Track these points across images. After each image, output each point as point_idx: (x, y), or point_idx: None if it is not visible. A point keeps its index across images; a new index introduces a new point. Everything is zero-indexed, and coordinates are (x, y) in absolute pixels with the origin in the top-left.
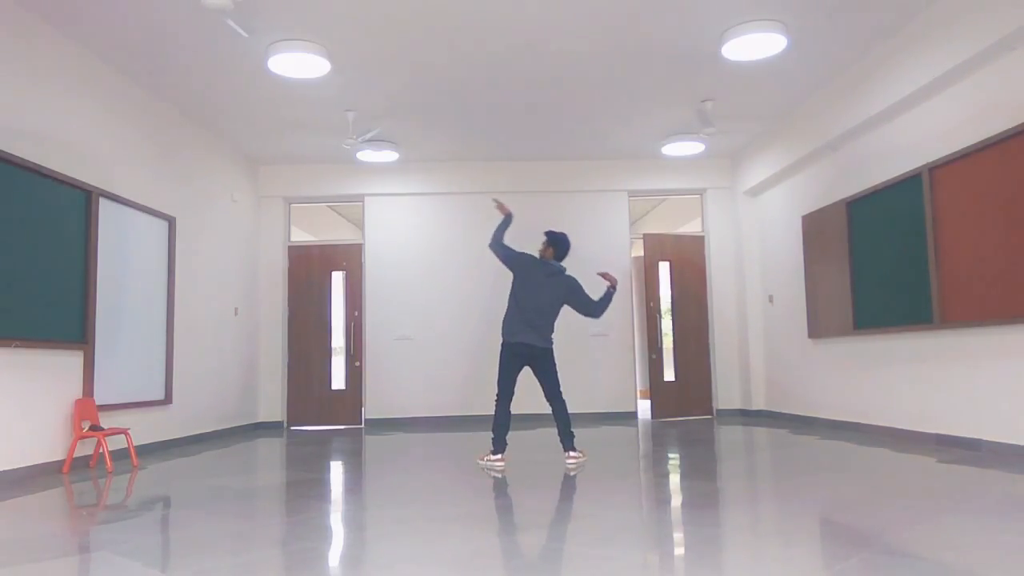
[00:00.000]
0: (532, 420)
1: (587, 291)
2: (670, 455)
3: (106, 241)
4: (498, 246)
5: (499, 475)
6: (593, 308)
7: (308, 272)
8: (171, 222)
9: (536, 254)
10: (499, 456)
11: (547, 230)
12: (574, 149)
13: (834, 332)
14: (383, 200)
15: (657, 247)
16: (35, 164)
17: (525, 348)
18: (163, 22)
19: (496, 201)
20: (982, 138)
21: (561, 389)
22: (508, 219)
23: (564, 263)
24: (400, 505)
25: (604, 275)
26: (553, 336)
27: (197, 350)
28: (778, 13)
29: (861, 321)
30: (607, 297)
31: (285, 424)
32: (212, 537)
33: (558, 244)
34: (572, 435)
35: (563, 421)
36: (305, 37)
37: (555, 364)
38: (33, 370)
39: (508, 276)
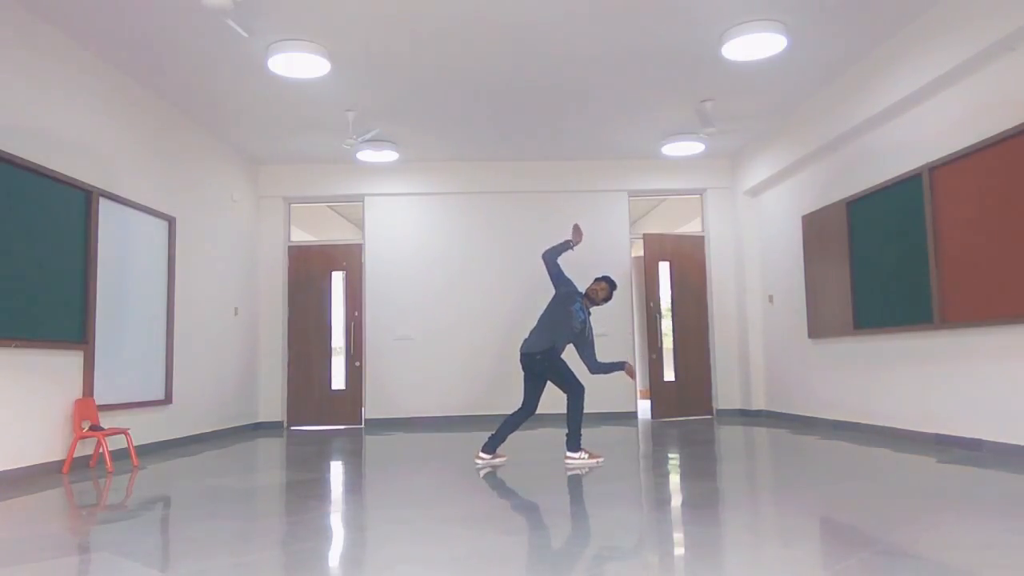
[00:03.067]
0: (533, 420)
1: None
2: (670, 455)
3: (106, 241)
4: (553, 262)
5: (480, 470)
6: (592, 363)
7: (308, 272)
8: (171, 222)
9: (583, 289)
10: (484, 452)
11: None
12: (574, 149)
13: (834, 332)
14: (383, 200)
15: (657, 247)
16: (35, 164)
17: (523, 357)
18: (163, 22)
19: (577, 225)
20: (982, 138)
21: (572, 390)
22: (572, 244)
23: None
24: (400, 505)
25: (630, 373)
26: (549, 347)
27: (197, 350)
28: (778, 13)
29: (861, 321)
30: (611, 366)
31: (285, 424)
32: (212, 537)
33: (612, 295)
34: (577, 436)
35: (568, 421)
36: (305, 37)
37: (557, 368)
38: (33, 370)
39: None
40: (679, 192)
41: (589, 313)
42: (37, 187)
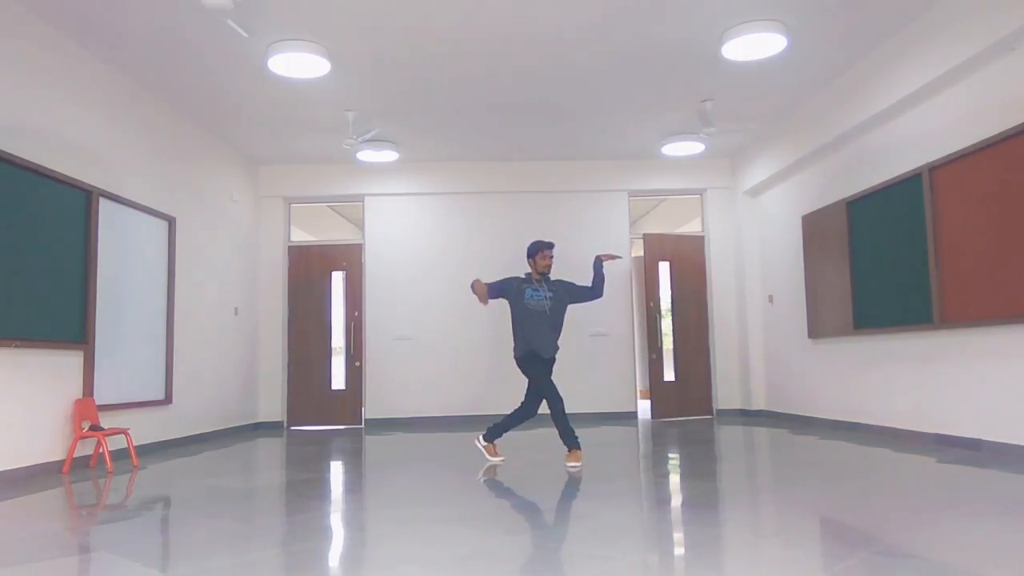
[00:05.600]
0: (533, 420)
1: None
2: (670, 455)
3: (106, 241)
4: (494, 294)
5: (480, 471)
6: (592, 292)
7: (308, 272)
8: (171, 222)
9: (539, 269)
10: (483, 439)
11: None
12: (574, 149)
13: (834, 332)
14: (383, 200)
15: (657, 247)
16: (35, 164)
17: (543, 360)
18: (163, 22)
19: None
20: (982, 138)
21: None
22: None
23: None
24: (400, 505)
25: (607, 258)
26: (524, 352)
27: (197, 350)
28: (778, 13)
29: (861, 321)
30: (599, 275)
31: (285, 424)
32: (212, 537)
33: (547, 250)
34: (572, 435)
35: (558, 423)
36: (305, 37)
37: (532, 374)
38: (33, 370)
39: (507, 276)
40: (679, 192)
41: (545, 284)
42: (37, 187)
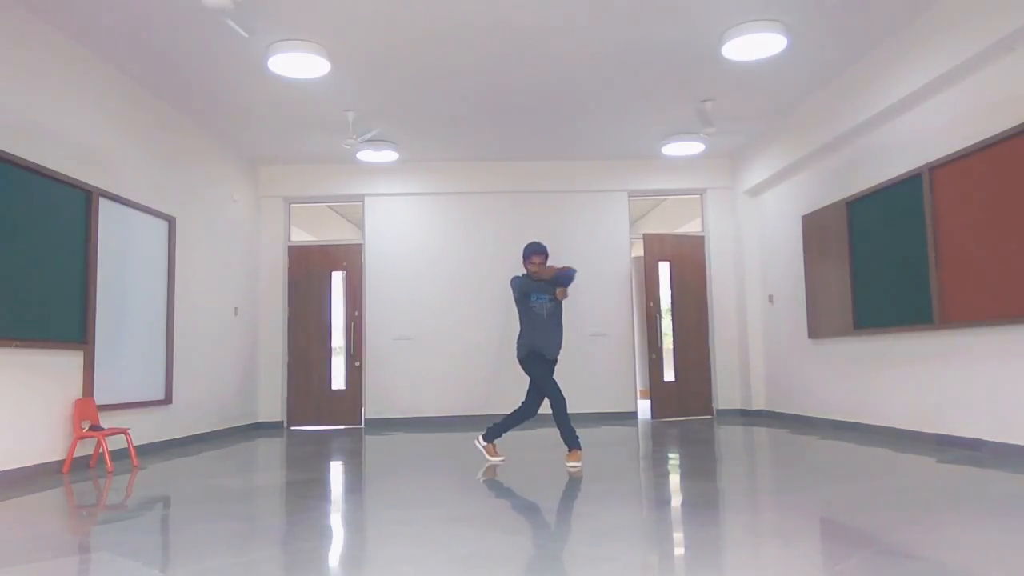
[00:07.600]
0: (533, 420)
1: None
2: (670, 455)
3: (106, 241)
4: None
5: (480, 471)
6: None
7: (308, 272)
8: (171, 222)
9: (533, 268)
10: (483, 439)
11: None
12: (574, 149)
13: (834, 332)
14: (383, 200)
15: (657, 247)
16: (35, 164)
17: (546, 361)
18: (163, 22)
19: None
20: (982, 138)
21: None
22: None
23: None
24: (400, 505)
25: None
26: (526, 353)
27: (197, 350)
28: (778, 13)
29: (861, 321)
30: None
31: (285, 424)
32: (212, 537)
33: (540, 250)
34: (572, 435)
35: (560, 423)
36: (305, 37)
37: (536, 371)
38: (33, 370)
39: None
40: (679, 192)
41: (547, 291)
42: (37, 187)
